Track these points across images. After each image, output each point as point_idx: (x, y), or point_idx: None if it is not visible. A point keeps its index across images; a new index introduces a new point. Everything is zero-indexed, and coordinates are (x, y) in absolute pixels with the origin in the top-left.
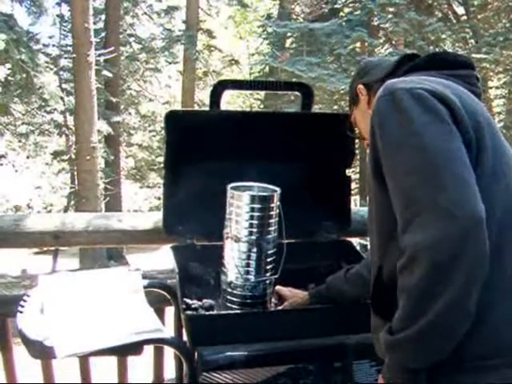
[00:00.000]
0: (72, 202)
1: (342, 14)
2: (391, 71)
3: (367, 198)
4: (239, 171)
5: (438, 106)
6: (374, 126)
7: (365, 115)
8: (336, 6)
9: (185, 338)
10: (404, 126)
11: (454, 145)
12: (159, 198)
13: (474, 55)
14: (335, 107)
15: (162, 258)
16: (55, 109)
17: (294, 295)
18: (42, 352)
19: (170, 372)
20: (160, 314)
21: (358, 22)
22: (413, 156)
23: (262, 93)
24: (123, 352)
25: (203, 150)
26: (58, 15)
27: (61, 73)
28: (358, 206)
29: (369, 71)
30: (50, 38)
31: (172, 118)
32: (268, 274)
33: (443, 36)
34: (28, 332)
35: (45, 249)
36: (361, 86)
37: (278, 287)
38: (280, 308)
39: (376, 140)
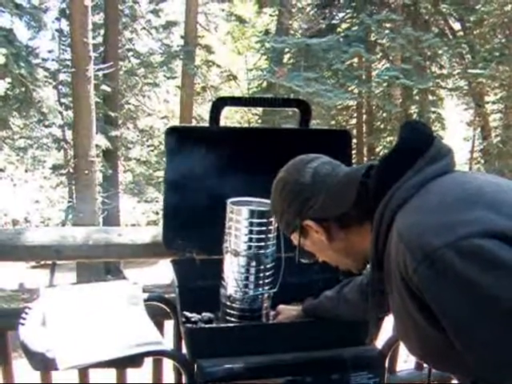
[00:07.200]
0: (70, 216)
1: (339, 29)
2: (356, 198)
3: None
4: (238, 186)
5: (498, 252)
6: (423, 298)
7: (327, 248)
8: (333, 22)
9: (184, 350)
10: (468, 296)
11: None
12: (157, 213)
13: (470, 70)
14: (332, 122)
15: (159, 273)
16: (54, 123)
17: (288, 309)
18: (43, 364)
19: None
20: (159, 327)
21: (356, 37)
22: (495, 326)
23: (261, 108)
24: (124, 364)
25: (203, 165)
26: (57, 30)
27: (60, 87)
28: None
29: (311, 203)
30: (49, 52)
31: (172, 133)
32: (266, 288)
33: (440, 51)
34: (30, 344)
35: (42, 262)
36: (310, 223)
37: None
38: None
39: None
